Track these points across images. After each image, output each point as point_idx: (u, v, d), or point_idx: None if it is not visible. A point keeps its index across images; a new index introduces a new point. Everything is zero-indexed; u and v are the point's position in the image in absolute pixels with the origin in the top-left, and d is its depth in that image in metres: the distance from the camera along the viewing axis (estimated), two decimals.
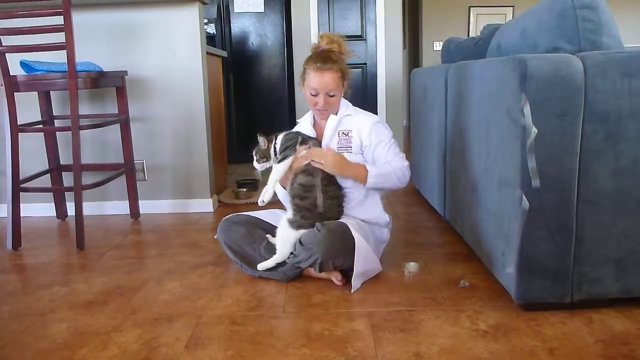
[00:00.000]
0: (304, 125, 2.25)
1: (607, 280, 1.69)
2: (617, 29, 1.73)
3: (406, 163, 2.15)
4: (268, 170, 2.17)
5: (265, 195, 2.11)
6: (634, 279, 1.70)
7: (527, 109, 1.56)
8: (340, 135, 2.15)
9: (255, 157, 2.16)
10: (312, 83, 2.08)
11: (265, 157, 2.13)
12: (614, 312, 1.72)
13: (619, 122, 1.57)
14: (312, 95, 2.11)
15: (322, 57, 2.08)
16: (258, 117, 5.05)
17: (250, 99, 5.10)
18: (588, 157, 1.59)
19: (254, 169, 2.18)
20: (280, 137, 2.15)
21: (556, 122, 1.57)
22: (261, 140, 2.13)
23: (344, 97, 2.20)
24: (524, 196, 1.61)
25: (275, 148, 2.13)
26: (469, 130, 2.19)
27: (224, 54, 3.96)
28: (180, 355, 1.55)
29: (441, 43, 7.17)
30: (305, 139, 2.13)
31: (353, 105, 2.24)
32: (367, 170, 2.06)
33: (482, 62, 2.06)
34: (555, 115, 1.57)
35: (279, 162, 2.11)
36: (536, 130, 1.56)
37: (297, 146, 2.10)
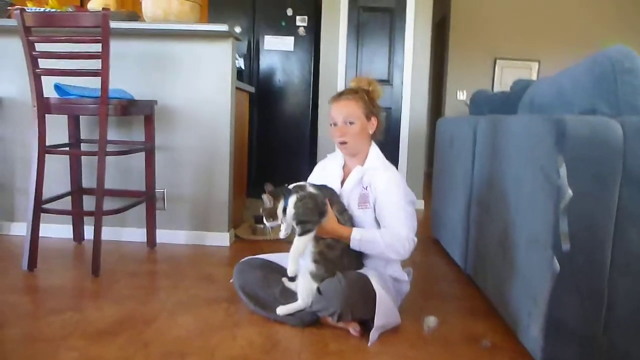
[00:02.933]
0: (333, 165, 2.19)
1: (638, 352, 1.62)
2: None
3: (410, 235, 1.99)
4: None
5: (290, 269, 1.92)
6: None
7: (563, 170, 1.53)
8: (361, 190, 2.07)
9: (263, 215, 1.94)
10: (330, 114, 2.10)
11: (272, 216, 1.90)
12: None
13: None
14: (332, 126, 2.09)
15: (342, 90, 2.14)
16: (279, 154, 5.07)
17: (273, 135, 5.13)
18: (624, 221, 1.55)
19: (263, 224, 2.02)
20: (292, 199, 1.89)
21: (592, 185, 1.54)
22: (266, 199, 1.90)
23: (375, 139, 2.15)
24: (554, 258, 1.57)
25: (284, 208, 1.90)
26: (498, 185, 2.16)
27: (252, 89, 3.99)
28: None
29: (464, 92, 7.20)
30: (322, 203, 1.92)
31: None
32: (348, 234, 1.96)
33: (516, 117, 2.05)
34: (591, 177, 1.54)
35: (300, 234, 1.90)
36: (571, 193, 1.53)
37: (322, 219, 1.92)
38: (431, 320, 2.08)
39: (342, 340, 1.92)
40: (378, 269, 2.06)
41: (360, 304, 1.88)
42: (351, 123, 2.04)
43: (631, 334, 1.61)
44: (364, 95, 2.08)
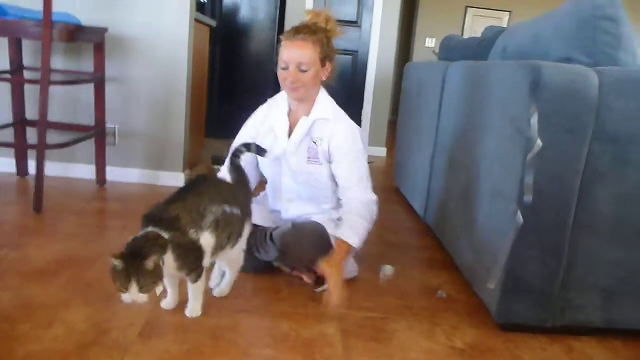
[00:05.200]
0: (277, 114, 1.93)
1: (591, 308, 1.61)
2: (634, 46, 1.63)
3: (374, 197, 1.86)
4: None
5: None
6: (618, 310, 1.62)
7: (534, 120, 1.46)
8: (310, 144, 1.87)
9: (116, 284, 1.34)
10: (282, 54, 1.79)
11: (131, 280, 1.33)
12: (595, 341, 1.64)
13: (628, 144, 1.48)
14: (282, 69, 1.79)
15: (298, 27, 1.81)
16: (241, 92, 4.88)
17: (235, 73, 4.92)
18: (591, 178, 1.50)
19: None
20: (168, 256, 1.42)
21: (563, 137, 1.47)
22: (117, 263, 1.33)
23: (326, 85, 1.92)
24: (518, 211, 1.51)
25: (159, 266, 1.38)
26: (465, 133, 2.08)
27: (213, 23, 3.77)
28: (132, 343, 1.42)
29: (433, 39, 7.07)
30: (192, 241, 1.48)
31: (337, 97, 1.94)
32: (347, 243, 1.76)
33: (488, 63, 1.95)
34: (563, 129, 1.47)
35: (197, 279, 1.55)
36: (540, 144, 1.46)
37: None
38: (387, 269, 2.04)
39: (294, 286, 1.86)
40: (331, 214, 1.92)
41: (315, 255, 1.78)
42: (305, 70, 1.78)
43: (588, 292, 1.59)
44: (322, 37, 1.80)
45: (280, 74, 1.81)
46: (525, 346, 1.59)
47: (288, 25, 4.68)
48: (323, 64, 1.83)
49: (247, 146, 1.79)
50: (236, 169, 1.77)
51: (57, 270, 1.83)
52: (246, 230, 1.70)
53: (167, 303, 1.63)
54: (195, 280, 1.55)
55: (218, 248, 1.56)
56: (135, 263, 1.33)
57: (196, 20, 3.16)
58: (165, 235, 1.42)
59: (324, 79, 1.88)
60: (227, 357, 1.40)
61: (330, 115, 1.87)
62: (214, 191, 1.61)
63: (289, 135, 1.90)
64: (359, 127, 1.93)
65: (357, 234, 1.78)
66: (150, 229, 1.44)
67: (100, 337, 1.44)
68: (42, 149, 2.39)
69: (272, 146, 1.90)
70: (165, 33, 2.95)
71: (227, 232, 1.58)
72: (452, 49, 2.96)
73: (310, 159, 1.87)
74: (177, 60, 2.99)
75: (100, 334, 1.46)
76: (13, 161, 2.96)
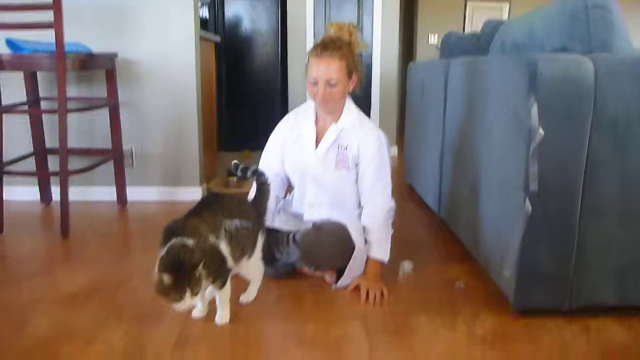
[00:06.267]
0: (304, 122, 2.03)
1: (606, 288, 1.66)
2: (627, 31, 1.68)
3: (393, 204, 2.00)
4: None
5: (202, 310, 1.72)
6: (633, 288, 1.67)
7: (534, 111, 1.51)
8: (339, 149, 1.96)
9: (169, 297, 1.45)
10: (311, 71, 1.88)
11: (186, 289, 1.44)
12: (611, 320, 1.69)
13: (628, 128, 1.53)
14: (311, 84, 1.89)
15: (325, 44, 1.89)
16: (249, 105, 4.97)
17: (242, 85, 5.01)
18: (595, 163, 1.55)
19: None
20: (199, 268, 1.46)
21: (563, 125, 1.53)
22: (166, 278, 1.42)
23: (352, 93, 2.00)
24: (526, 201, 1.57)
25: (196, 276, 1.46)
26: (470, 129, 2.14)
27: (217, 39, 3.86)
28: (170, 353, 1.50)
29: (436, 36, 7.09)
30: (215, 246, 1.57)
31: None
32: (379, 260, 1.95)
33: (487, 59, 2.01)
34: (563, 118, 1.52)
35: (224, 285, 1.62)
36: (542, 133, 1.52)
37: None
38: (406, 266, 2.10)
39: (318, 290, 1.93)
40: (352, 220, 2.01)
41: (338, 254, 1.87)
42: (334, 85, 1.87)
43: (599, 272, 1.63)
44: (347, 52, 1.89)
45: (310, 89, 1.91)
46: (544, 329, 1.64)
47: (290, 35, 4.76)
48: (350, 77, 1.92)
49: (245, 171, 1.88)
50: (259, 186, 1.87)
51: (89, 294, 1.90)
52: (260, 242, 1.79)
53: (198, 312, 1.71)
54: (221, 287, 1.62)
55: (234, 260, 1.64)
56: (185, 273, 1.43)
57: (201, 38, 3.25)
58: (189, 242, 1.50)
59: (351, 89, 1.97)
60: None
61: (358, 123, 1.98)
62: (226, 207, 1.70)
63: (317, 142, 1.99)
64: (385, 133, 2.02)
65: (386, 250, 1.97)
66: (174, 240, 1.51)
67: (139, 351, 1.52)
68: (64, 175, 2.48)
69: (300, 153, 2.01)
70: (173, 54, 3.04)
71: (240, 245, 1.66)
72: (452, 46, 3.02)
73: (339, 164, 1.96)
74: (186, 80, 3.08)
75: (139, 348, 1.53)
76: (36, 189, 3.07)
